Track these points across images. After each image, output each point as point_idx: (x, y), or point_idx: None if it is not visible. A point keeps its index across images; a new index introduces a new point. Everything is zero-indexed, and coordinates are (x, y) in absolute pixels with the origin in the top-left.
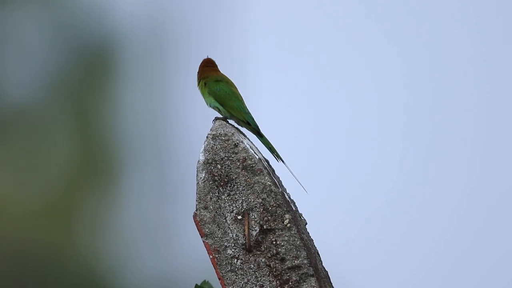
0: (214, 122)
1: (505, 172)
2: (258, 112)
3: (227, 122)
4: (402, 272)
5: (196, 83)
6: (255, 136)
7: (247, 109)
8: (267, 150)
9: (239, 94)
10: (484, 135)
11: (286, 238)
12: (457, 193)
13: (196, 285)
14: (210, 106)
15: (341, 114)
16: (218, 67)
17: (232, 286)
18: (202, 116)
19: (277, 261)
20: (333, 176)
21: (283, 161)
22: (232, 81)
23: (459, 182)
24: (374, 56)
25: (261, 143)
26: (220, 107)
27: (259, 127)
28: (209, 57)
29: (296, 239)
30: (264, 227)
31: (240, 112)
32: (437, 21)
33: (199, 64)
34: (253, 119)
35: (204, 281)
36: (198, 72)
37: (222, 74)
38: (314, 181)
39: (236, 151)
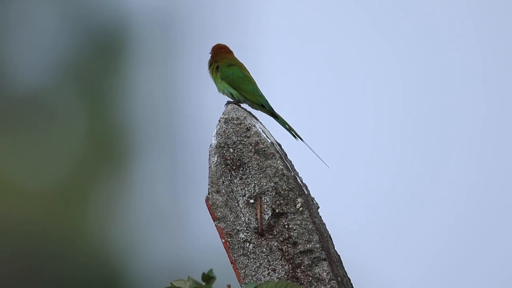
0: (226, 106)
1: (508, 165)
2: (271, 96)
3: (240, 106)
4: (414, 256)
5: (207, 67)
6: (268, 119)
7: (261, 91)
8: (286, 130)
9: (252, 77)
10: (487, 128)
11: (298, 222)
12: (470, 177)
13: (204, 273)
14: (223, 92)
15: (357, 97)
16: (232, 51)
17: (244, 270)
18: (215, 100)
19: (289, 245)
20: (346, 159)
21: (301, 139)
22: (244, 64)
23: (472, 164)
24: (388, 40)
25: (275, 125)
26: (234, 92)
27: (274, 109)
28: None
29: (308, 223)
30: (277, 211)
31: (254, 95)
32: (442, 25)
33: (212, 48)
34: (267, 101)
35: (211, 270)
36: (211, 56)
37: (235, 57)
38: (328, 165)
39: (248, 135)
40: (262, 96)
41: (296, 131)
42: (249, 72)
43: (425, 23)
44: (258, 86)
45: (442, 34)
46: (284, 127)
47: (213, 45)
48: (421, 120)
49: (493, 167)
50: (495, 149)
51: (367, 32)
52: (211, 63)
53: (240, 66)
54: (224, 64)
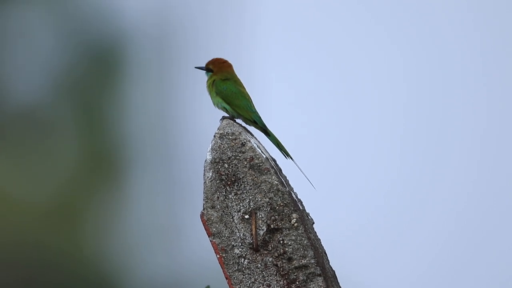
0: (222, 121)
1: (508, 165)
2: (266, 110)
3: (235, 121)
4: (409, 271)
5: (206, 80)
6: (263, 134)
7: (254, 108)
8: (276, 147)
9: (247, 93)
10: (488, 129)
11: (293, 237)
12: (462, 189)
13: None
14: (217, 107)
15: (347, 112)
16: (232, 66)
17: (239, 286)
18: (210, 115)
19: (284, 261)
20: (340, 174)
21: (291, 158)
22: (241, 80)
23: (463, 178)
24: (380, 55)
25: (269, 141)
26: (227, 107)
27: (266, 126)
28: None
29: (303, 238)
30: (271, 226)
31: (246, 111)
32: (439, 21)
33: (212, 61)
34: (260, 118)
35: (208, 286)
36: (211, 69)
37: (233, 72)
38: (321, 180)
39: (243, 150)
40: (255, 112)
41: (287, 150)
42: (244, 88)
43: (424, 22)
44: (252, 102)
45: (439, 33)
46: (275, 145)
47: (212, 58)
48: (412, 136)
49: (486, 181)
50: (491, 157)
51: (359, 50)
52: (210, 77)
53: (236, 81)
54: (219, 78)
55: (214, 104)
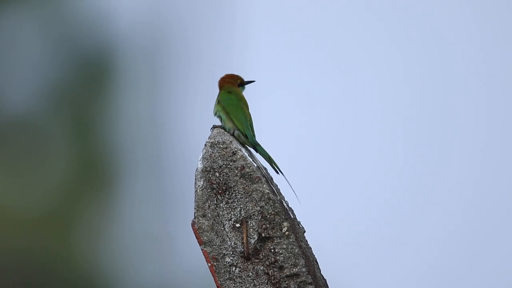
0: (212, 130)
1: (506, 171)
2: (260, 115)
3: (225, 129)
4: (401, 280)
5: (194, 91)
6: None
7: (250, 125)
8: (267, 162)
9: (248, 113)
10: (485, 135)
11: (284, 246)
12: (458, 204)
13: None
14: (215, 115)
15: (340, 122)
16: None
17: None
18: (201, 124)
19: (275, 269)
20: (331, 184)
21: (281, 173)
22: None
23: (460, 192)
24: (379, 58)
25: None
26: (224, 116)
27: (257, 143)
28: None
29: (294, 247)
30: (263, 235)
31: (241, 124)
32: (440, 21)
33: (227, 76)
34: (252, 135)
35: None
36: (221, 82)
37: (238, 90)
38: (312, 188)
39: (234, 159)
40: (249, 128)
41: (277, 164)
42: (248, 108)
43: (425, 22)
44: (251, 122)
45: (439, 33)
46: (265, 158)
47: (224, 74)
48: (412, 144)
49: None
50: (493, 162)
51: (356, 58)
52: (220, 89)
53: (237, 96)
54: (225, 89)
55: (213, 112)
